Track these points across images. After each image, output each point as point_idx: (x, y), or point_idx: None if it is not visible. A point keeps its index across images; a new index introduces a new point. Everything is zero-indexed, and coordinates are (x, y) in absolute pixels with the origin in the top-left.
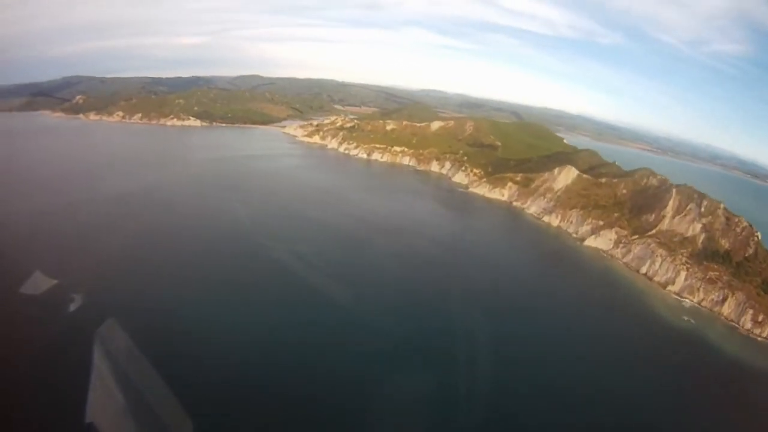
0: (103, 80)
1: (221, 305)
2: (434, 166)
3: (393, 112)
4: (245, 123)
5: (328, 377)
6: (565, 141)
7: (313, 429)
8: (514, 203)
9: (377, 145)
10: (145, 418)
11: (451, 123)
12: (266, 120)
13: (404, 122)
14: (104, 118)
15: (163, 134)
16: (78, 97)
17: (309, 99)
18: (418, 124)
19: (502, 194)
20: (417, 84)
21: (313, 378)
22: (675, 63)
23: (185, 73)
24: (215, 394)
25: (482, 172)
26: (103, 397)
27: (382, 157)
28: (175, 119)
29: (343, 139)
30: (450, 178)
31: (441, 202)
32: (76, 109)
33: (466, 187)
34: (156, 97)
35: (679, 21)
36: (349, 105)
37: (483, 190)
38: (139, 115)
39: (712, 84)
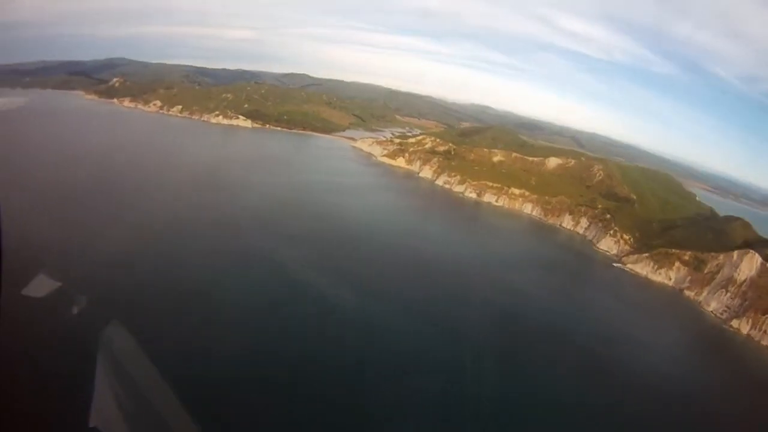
0: (146, 65)
1: None
2: (566, 221)
3: (473, 133)
4: (304, 128)
5: None
6: (697, 198)
7: None
8: (685, 291)
9: (489, 183)
10: (151, 422)
11: (572, 162)
12: (327, 127)
13: (513, 154)
14: (139, 106)
15: (208, 135)
16: (115, 79)
17: (367, 106)
18: (530, 159)
19: (668, 277)
20: (463, 97)
21: None
22: (728, 98)
23: (231, 65)
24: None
25: (631, 239)
26: (108, 401)
27: (496, 201)
28: (221, 116)
29: (440, 168)
30: (592, 242)
31: (608, 289)
32: (110, 93)
33: (620, 260)
34: (199, 87)
35: (736, 55)
36: (407, 115)
37: (644, 268)
38: (179, 107)
39: (765, 122)
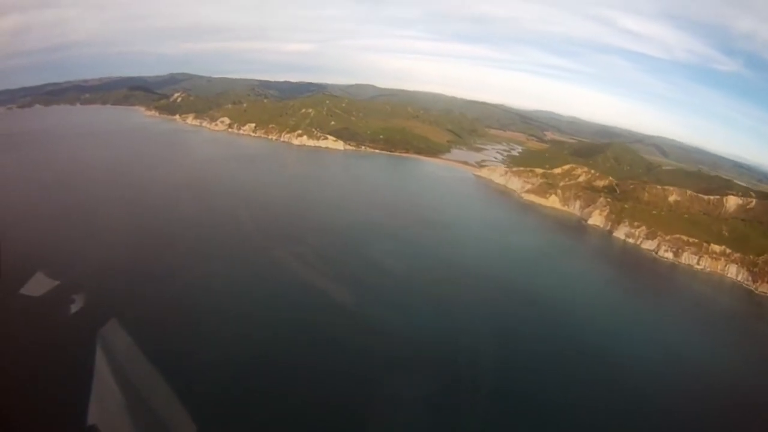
0: (209, 80)
1: None
2: None
3: (590, 152)
4: (406, 150)
5: None
6: None
7: None
8: None
9: (684, 238)
10: (148, 419)
11: (752, 202)
12: (429, 147)
13: (688, 192)
14: (205, 124)
15: (303, 162)
16: (176, 94)
17: (451, 118)
18: (707, 198)
19: None
20: (526, 103)
21: None
22: None
23: (292, 77)
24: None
25: None
26: (105, 398)
27: (697, 263)
28: (305, 136)
29: (612, 213)
30: None
31: None
32: (172, 109)
33: None
34: (268, 101)
35: None
36: (489, 127)
37: None
38: (252, 125)
39: None
